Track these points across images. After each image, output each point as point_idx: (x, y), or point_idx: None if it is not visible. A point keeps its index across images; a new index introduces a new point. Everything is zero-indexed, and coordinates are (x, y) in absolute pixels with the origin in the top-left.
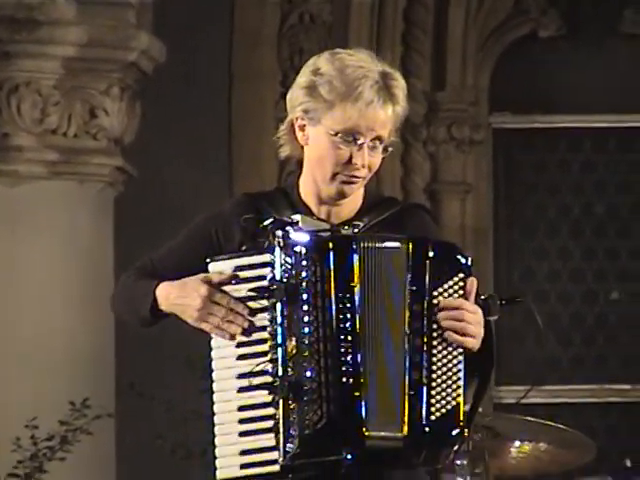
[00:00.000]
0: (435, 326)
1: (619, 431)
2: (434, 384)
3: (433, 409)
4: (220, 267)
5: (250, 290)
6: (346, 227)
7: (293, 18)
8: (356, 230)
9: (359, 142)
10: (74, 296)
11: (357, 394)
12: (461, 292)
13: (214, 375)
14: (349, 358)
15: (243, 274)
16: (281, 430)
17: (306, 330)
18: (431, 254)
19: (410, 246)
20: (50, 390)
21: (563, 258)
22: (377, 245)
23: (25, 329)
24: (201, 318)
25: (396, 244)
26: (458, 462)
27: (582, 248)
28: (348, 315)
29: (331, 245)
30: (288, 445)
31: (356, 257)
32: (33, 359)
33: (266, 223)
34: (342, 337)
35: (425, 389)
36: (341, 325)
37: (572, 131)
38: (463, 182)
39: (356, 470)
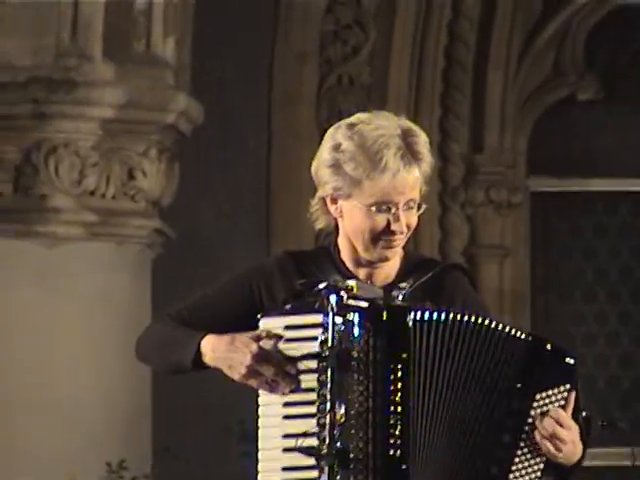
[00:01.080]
0: (527, 430)
1: None
2: None
3: None
4: (271, 324)
5: (302, 352)
6: (394, 292)
7: (332, 79)
8: (403, 293)
9: (393, 211)
10: (111, 358)
11: (404, 467)
12: (562, 402)
13: (260, 432)
14: (398, 430)
15: (293, 334)
16: None
17: (356, 399)
18: (546, 356)
19: (528, 342)
20: (87, 451)
21: (600, 323)
22: (433, 319)
23: (61, 390)
24: (249, 375)
25: (450, 317)
26: None
27: (619, 312)
28: (399, 386)
29: (386, 315)
30: None
31: (411, 329)
32: (70, 420)
33: (321, 287)
34: (392, 409)
35: None
36: (391, 397)
37: (609, 195)
38: (501, 246)
39: None
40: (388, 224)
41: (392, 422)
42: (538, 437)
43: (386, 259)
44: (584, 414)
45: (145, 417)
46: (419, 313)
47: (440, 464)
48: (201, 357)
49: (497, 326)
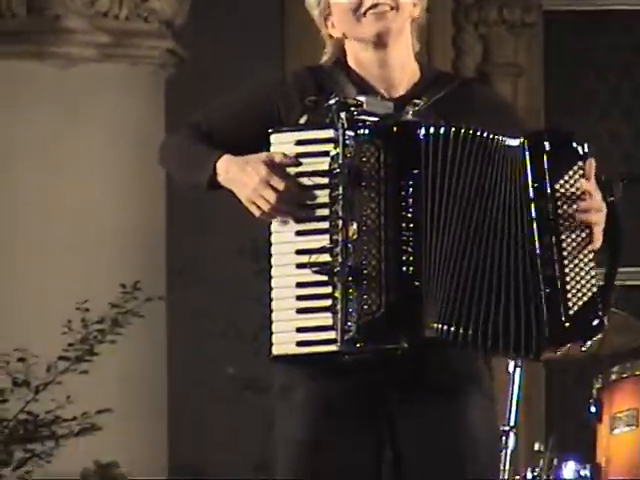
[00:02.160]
0: (560, 218)
1: None
2: (568, 278)
3: (570, 304)
4: (282, 138)
5: (312, 170)
6: (407, 107)
7: None
8: (417, 108)
9: None
10: (125, 176)
11: (417, 284)
12: (583, 180)
13: (273, 249)
14: (410, 247)
15: (305, 149)
16: (340, 313)
17: (368, 216)
18: (548, 146)
19: (524, 141)
20: (101, 273)
21: (615, 141)
22: (444, 133)
23: (77, 212)
24: (253, 198)
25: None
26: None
27: (633, 132)
28: (410, 202)
29: (396, 130)
30: (347, 329)
31: (423, 144)
32: (84, 243)
33: (331, 102)
34: (404, 226)
35: (559, 285)
36: (402, 213)
37: (623, 13)
38: (515, 64)
39: (412, 354)
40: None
41: (404, 239)
42: (575, 215)
43: (384, 34)
44: (602, 178)
45: (159, 239)
46: (431, 128)
47: (453, 280)
48: (216, 177)
49: (503, 137)
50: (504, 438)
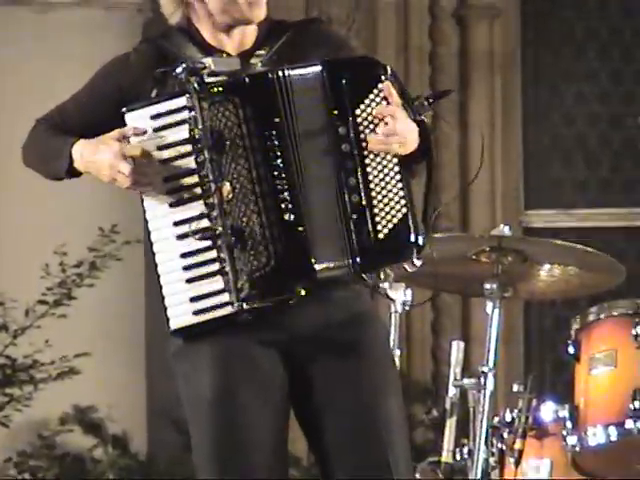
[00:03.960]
0: (364, 144)
1: None
2: (375, 202)
3: (380, 227)
4: (136, 116)
5: (172, 141)
6: (253, 60)
7: None
8: (260, 60)
9: None
10: None
11: (300, 229)
12: (384, 103)
13: (150, 225)
14: (286, 195)
15: (161, 122)
16: (230, 274)
17: (239, 173)
18: (346, 73)
19: (323, 70)
20: (79, 216)
21: (591, 80)
22: (291, 74)
23: None
24: (111, 175)
25: (309, 70)
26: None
27: (609, 70)
28: (278, 153)
29: (248, 83)
30: (240, 288)
31: (276, 92)
32: (62, 187)
33: (178, 71)
34: (276, 175)
35: (367, 210)
36: (273, 163)
37: None
38: (492, 5)
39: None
40: None
41: (279, 187)
42: (373, 138)
43: (258, 17)
44: (412, 97)
45: None
46: (279, 73)
47: (324, 219)
48: (73, 164)
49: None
50: (482, 379)
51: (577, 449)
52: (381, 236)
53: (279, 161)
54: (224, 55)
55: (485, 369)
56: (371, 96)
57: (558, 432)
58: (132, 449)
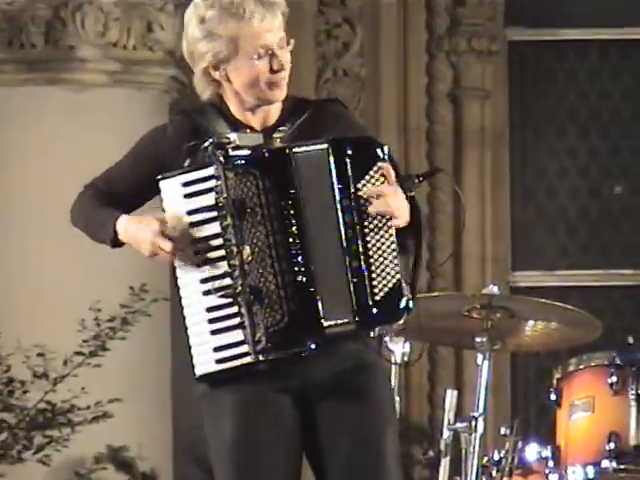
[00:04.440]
0: (365, 215)
1: (623, 312)
2: (373, 267)
3: (377, 290)
4: (169, 183)
5: (200, 206)
6: (274, 135)
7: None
8: (281, 135)
9: (270, 52)
10: None
11: (312, 290)
12: (382, 180)
13: (179, 282)
14: (299, 259)
15: (191, 189)
16: (249, 327)
17: (259, 238)
18: (349, 151)
19: (330, 148)
20: (112, 276)
21: (571, 157)
22: (303, 151)
23: None
24: (153, 251)
25: (318, 147)
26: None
27: (588, 147)
28: (293, 220)
29: (267, 158)
30: (257, 341)
31: (291, 166)
32: (97, 251)
33: (205, 145)
34: (290, 241)
35: (366, 274)
36: (288, 231)
37: (579, 43)
38: (482, 88)
39: (320, 352)
40: (271, 67)
41: (293, 252)
42: (372, 211)
43: (278, 98)
44: (404, 175)
45: None
46: (293, 149)
47: (330, 282)
48: (117, 236)
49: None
50: (473, 424)
51: None
52: (378, 298)
53: (294, 229)
54: (249, 130)
55: (476, 414)
56: (371, 172)
57: (541, 471)
58: None
